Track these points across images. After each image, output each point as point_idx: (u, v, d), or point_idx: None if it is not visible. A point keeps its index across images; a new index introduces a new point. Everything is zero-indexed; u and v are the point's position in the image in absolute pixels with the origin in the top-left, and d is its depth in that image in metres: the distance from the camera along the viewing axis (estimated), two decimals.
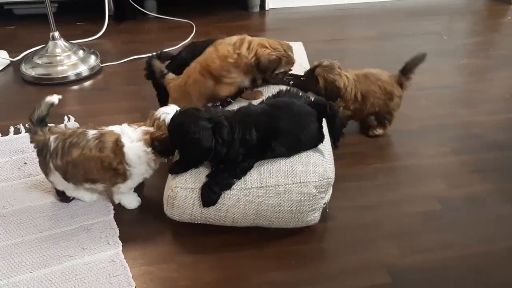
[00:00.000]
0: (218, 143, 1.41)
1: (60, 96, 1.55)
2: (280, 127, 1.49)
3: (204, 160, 1.48)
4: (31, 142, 1.54)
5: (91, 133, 1.51)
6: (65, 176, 1.52)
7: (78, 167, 1.49)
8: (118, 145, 1.49)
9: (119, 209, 1.64)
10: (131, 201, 1.64)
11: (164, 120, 1.55)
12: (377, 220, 1.62)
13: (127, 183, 1.56)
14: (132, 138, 1.51)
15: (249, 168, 1.50)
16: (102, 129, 1.54)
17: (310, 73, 1.89)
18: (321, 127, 1.59)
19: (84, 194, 1.63)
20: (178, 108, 1.54)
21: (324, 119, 1.61)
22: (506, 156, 1.92)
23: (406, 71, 1.95)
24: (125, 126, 1.55)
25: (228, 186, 1.47)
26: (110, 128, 1.55)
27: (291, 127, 1.50)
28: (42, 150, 1.51)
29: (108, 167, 1.50)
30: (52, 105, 1.54)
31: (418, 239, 1.55)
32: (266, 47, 1.71)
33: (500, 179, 1.80)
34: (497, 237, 1.56)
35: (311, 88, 1.88)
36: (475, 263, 1.47)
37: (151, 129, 1.54)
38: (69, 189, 1.60)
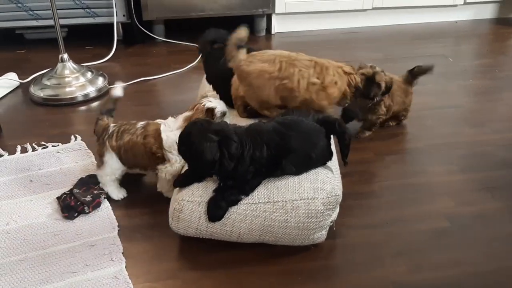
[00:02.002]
0: (224, 157, 1.40)
1: (123, 84, 1.83)
2: (291, 146, 1.48)
3: (208, 172, 1.47)
4: (95, 128, 1.74)
5: (140, 124, 1.71)
6: (120, 157, 1.69)
7: (128, 152, 1.68)
8: (157, 133, 1.66)
9: (123, 225, 1.63)
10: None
11: (204, 105, 1.70)
12: (385, 238, 1.60)
13: (169, 169, 1.66)
14: (172, 127, 1.66)
15: (258, 185, 1.49)
16: (150, 121, 1.73)
17: (371, 81, 1.98)
18: (330, 145, 1.59)
19: (114, 191, 1.75)
20: (221, 102, 1.75)
21: (332, 137, 1.61)
22: None
23: (414, 74, 2.17)
24: (169, 118, 1.74)
25: (235, 202, 1.46)
26: (157, 121, 1.72)
27: (301, 145, 1.49)
28: (102, 133, 1.70)
29: (150, 152, 1.66)
30: (117, 99, 1.78)
31: (427, 257, 1.52)
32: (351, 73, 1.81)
33: (509, 197, 1.77)
34: (506, 255, 1.53)
35: (371, 94, 1.98)
36: (484, 281, 1.44)
37: (189, 113, 1.69)
38: (112, 176, 1.73)
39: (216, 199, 1.45)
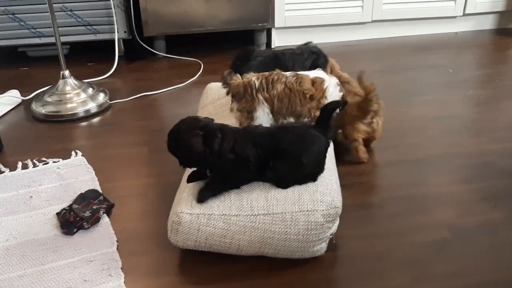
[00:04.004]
0: (206, 152, 1.45)
1: None
2: (280, 146, 1.50)
3: (197, 164, 1.51)
4: (228, 91, 1.74)
5: (288, 73, 1.74)
6: (272, 109, 1.72)
7: (283, 100, 1.71)
8: (316, 81, 1.72)
9: (122, 240, 1.62)
10: None
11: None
12: (387, 249, 1.58)
13: None
14: (330, 82, 1.76)
15: (243, 179, 1.52)
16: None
17: None
18: (325, 155, 1.58)
19: None
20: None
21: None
22: None
23: None
24: (314, 72, 1.80)
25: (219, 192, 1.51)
26: (304, 72, 1.77)
27: (292, 147, 1.51)
28: (247, 90, 1.70)
29: (310, 99, 1.71)
30: None
31: (429, 268, 1.50)
32: None
33: (511, 207, 1.75)
34: (509, 265, 1.51)
35: None
36: None
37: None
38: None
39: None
